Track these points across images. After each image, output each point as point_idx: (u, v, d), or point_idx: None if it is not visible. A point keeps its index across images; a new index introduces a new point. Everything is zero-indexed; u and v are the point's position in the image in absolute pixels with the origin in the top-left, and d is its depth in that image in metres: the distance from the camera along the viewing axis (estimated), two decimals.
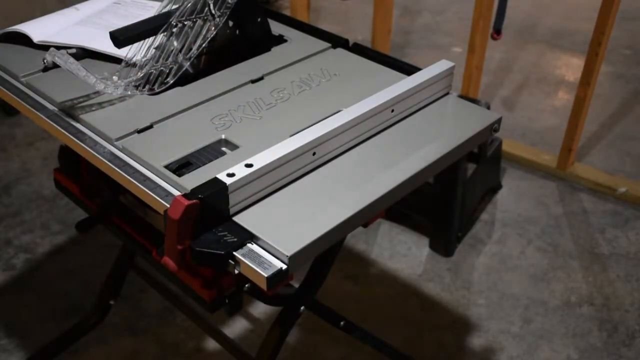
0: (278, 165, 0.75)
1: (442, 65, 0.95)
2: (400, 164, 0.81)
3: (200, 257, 0.69)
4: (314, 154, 0.79)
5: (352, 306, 1.59)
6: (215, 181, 0.71)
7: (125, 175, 0.79)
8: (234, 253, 0.68)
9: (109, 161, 0.81)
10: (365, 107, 0.84)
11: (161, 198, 0.75)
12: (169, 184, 0.78)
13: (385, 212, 0.89)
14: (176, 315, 1.56)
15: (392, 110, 0.88)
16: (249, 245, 0.70)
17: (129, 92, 0.90)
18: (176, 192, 0.76)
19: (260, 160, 0.74)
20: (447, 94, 0.97)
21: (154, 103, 0.91)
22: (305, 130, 0.80)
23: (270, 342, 1.10)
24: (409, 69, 1.00)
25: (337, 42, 1.09)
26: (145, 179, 0.78)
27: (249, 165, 0.73)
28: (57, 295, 1.62)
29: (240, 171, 0.72)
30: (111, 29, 0.90)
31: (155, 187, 0.77)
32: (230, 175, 0.71)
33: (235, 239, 0.69)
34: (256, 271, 0.67)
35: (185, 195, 0.68)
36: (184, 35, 0.92)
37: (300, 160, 0.78)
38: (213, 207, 0.70)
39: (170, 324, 1.55)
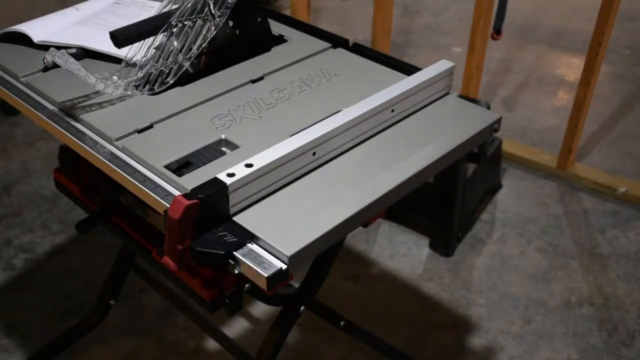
0: (278, 165, 0.75)
1: (442, 65, 0.95)
2: (400, 164, 0.81)
3: (201, 257, 0.69)
4: (314, 154, 0.79)
5: (352, 306, 1.59)
6: (215, 181, 0.71)
7: (125, 175, 0.79)
8: (234, 253, 0.69)
9: (109, 161, 0.81)
10: (366, 107, 0.84)
11: (161, 198, 0.75)
12: (169, 184, 0.78)
13: (385, 212, 0.89)
14: (176, 315, 1.56)
15: (392, 110, 0.88)
16: (249, 245, 0.70)
17: (129, 92, 0.90)
18: (176, 192, 0.76)
19: (261, 160, 0.74)
20: (447, 94, 0.97)
21: (154, 103, 0.91)
22: (305, 130, 0.80)
23: (270, 342, 1.10)
24: (409, 69, 1.00)
25: (337, 42, 1.09)
26: (145, 179, 0.78)
27: (249, 165, 0.73)
28: (57, 295, 1.62)
29: (240, 171, 0.72)
30: (111, 29, 0.90)
31: (155, 187, 0.77)
32: (230, 175, 0.71)
33: (236, 239, 0.69)
34: (256, 271, 0.67)
35: (185, 195, 0.68)
36: (184, 35, 0.92)
37: (300, 160, 0.78)
38: (213, 207, 0.70)
39: (170, 324, 1.55)
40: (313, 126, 0.81)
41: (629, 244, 1.79)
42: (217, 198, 0.70)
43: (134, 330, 1.53)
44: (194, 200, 0.68)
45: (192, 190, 0.70)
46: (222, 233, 0.70)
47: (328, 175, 0.80)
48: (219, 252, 0.68)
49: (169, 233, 0.69)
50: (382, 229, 1.83)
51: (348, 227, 0.74)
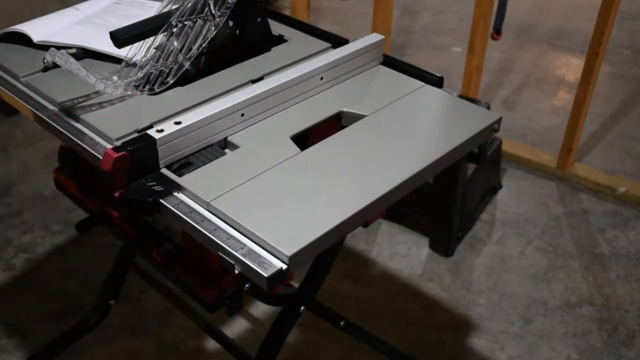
0: (206, 124, 0.82)
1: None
2: (400, 164, 0.81)
3: (130, 204, 0.75)
4: (242, 115, 0.86)
5: (352, 306, 1.59)
6: (145, 136, 0.77)
7: None
8: (236, 254, 0.68)
9: None
10: (292, 75, 0.91)
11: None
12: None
13: (385, 212, 0.89)
14: (176, 315, 1.56)
15: (322, 78, 0.95)
16: (249, 245, 0.70)
17: (129, 92, 0.90)
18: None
19: (189, 118, 0.81)
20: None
21: (154, 103, 0.91)
22: (234, 93, 0.87)
23: (270, 342, 1.10)
24: (411, 70, 1.00)
25: (337, 42, 1.08)
26: None
27: (177, 123, 0.80)
28: (57, 295, 1.62)
29: (169, 128, 0.79)
30: (111, 29, 0.90)
31: None
32: (160, 131, 0.78)
33: (162, 188, 0.75)
34: (256, 271, 0.67)
35: (115, 149, 0.76)
36: (184, 35, 0.92)
37: (228, 120, 0.84)
38: (142, 159, 0.77)
39: (170, 324, 1.55)
40: (242, 89, 0.89)
41: (629, 244, 1.79)
42: (145, 151, 0.76)
43: (134, 330, 1.53)
44: (123, 153, 0.74)
45: (122, 143, 0.77)
46: (151, 183, 0.76)
47: (328, 174, 0.80)
48: (146, 199, 0.74)
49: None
50: (382, 229, 1.83)
51: (348, 227, 0.74)
